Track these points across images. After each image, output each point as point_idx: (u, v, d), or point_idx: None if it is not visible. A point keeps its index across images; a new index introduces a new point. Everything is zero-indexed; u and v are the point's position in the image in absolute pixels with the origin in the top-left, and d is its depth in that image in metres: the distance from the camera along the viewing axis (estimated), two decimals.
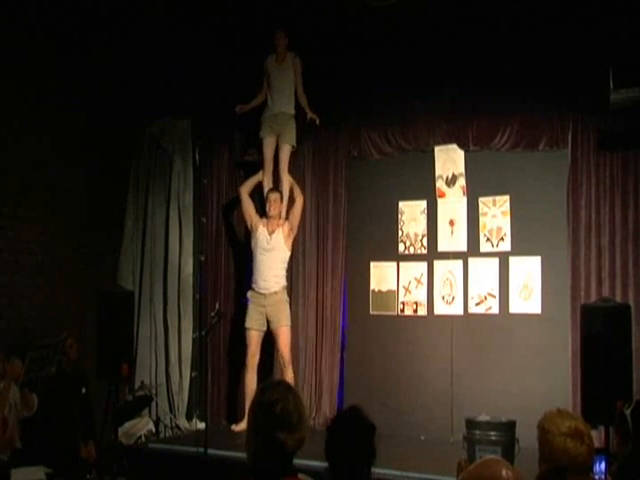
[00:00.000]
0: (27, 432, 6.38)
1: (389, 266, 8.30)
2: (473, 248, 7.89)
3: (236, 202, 8.84)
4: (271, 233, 7.84)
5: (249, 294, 7.82)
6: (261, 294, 7.79)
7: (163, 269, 8.76)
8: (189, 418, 8.48)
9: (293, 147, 8.13)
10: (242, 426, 7.31)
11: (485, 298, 7.77)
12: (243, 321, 7.94)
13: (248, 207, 8.07)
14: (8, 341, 6.84)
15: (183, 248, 8.72)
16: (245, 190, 8.13)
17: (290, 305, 8.12)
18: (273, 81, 8.02)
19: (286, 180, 8.06)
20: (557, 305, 7.37)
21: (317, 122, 7.99)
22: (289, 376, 7.44)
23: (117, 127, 8.52)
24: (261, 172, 8.12)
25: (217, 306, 7.44)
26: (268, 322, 7.78)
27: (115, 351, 6.79)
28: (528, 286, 7.59)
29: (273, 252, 7.85)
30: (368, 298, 8.37)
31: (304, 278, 8.42)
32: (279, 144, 8.06)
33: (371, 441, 3.05)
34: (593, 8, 6.74)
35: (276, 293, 7.82)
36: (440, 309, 8.01)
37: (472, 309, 7.84)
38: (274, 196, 7.92)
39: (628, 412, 4.37)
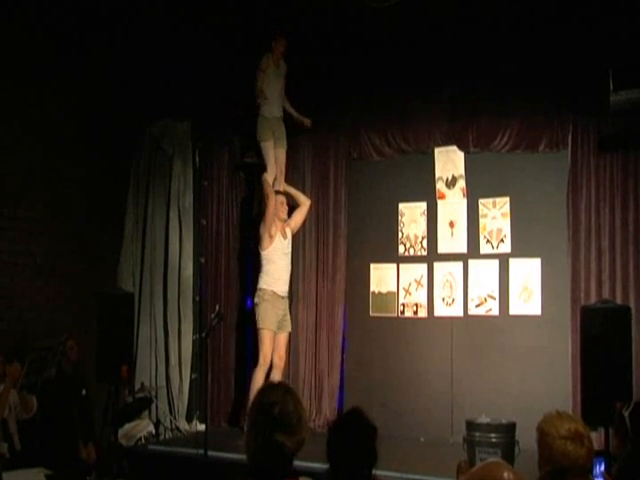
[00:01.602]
0: (27, 434, 6.37)
1: (389, 268, 8.30)
2: (473, 250, 7.89)
3: (235, 204, 8.86)
4: (284, 236, 7.85)
5: (267, 296, 7.71)
6: (281, 297, 7.77)
7: (163, 271, 8.75)
8: (189, 420, 8.48)
9: (286, 151, 8.20)
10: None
11: (485, 300, 7.77)
12: (243, 323, 7.94)
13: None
14: (8, 343, 6.83)
15: (183, 250, 8.72)
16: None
17: (290, 307, 8.17)
18: (272, 83, 8.03)
19: (283, 188, 8.08)
20: (557, 307, 7.37)
21: (309, 125, 8.14)
22: (277, 378, 7.48)
23: (117, 128, 8.52)
24: (268, 175, 8.03)
25: (217, 308, 7.44)
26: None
27: (115, 353, 6.77)
28: (528, 288, 7.59)
29: (289, 255, 7.91)
30: (368, 300, 8.37)
31: (304, 280, 8.42)
32: (277, 149, 8.07)
33: (372, 443, 3.05)
34: (593, 9, 6.75)
35: (287, 297, 7.91)
36: (440, 311, 8.01)
37: (472, 311, 7.84)
38: (284, 198, 7.95)
39: (627, 414, 4.37)
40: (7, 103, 7.45)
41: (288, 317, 7.90)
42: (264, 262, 7.79)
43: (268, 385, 2.69)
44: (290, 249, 7.91)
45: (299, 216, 8.08)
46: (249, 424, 2.60)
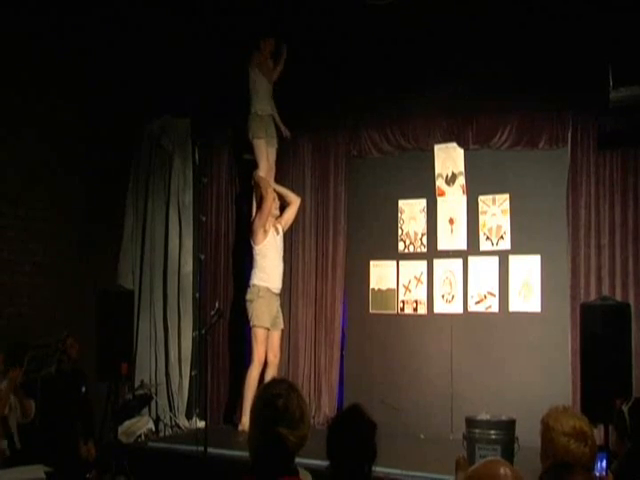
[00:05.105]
0: (27, 431, 6.37)
1: (389, 265, 8.30)
2: (473, 247, 7.89)
3: (234, 201, 8.87)
4: (277, 233, 7.94)
5: (261, 293, 7.80)
6: (274, 294, 7.88)
7: (163, 268, 8.75)
8: (189, 417, 8.48)
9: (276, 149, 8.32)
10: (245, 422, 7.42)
11: (485, 297, 7.77)
12: (243, 319, 7.95)
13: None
14: (8, 340, 6.82)
15: (183, 247, 8.72)
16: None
17: (289, 304, 8.23)
18: (263, 81, 8.08)
19: (273, 186, 8.14)
20: (557, 304, 7.37)
21: (288, 137, 8.30)
22: (272, 375, 7.51)
23: (117, 126, 8.52)
24: (261, 172, 8.09)
25: (217, 305, 7.44)
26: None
27: (115, 350, 6.79)
28: (528, 284, 7.59)
29: (281, 252, 8.01)
30: (368, 297, 8.38)
31: (304, 277, 8.43)
32: (268, 147, 8.14)
33: (372, 439, 3.05)
34: (592, 6, 6.73)
35: (280, 294, 7.96)
36: (440, 308, 8.01)
37: (472, 308, 7.84)
38: (276, 195, 8.07)
39: (626, 409, 4.37)
40: (7, 102, 7.45)
41: (281, 314, 7.99)
42: (257, 257, 7.86)
43: (272, 380, 2.72)
44: (282, 245, 7.99)
45: (289, 214, 8.17)
46: (252, 418, 2.61)
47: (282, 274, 8.00)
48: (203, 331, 8.15)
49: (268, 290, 7.80)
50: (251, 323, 7.80)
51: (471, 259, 7.89)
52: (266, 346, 7.78)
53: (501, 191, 7.78)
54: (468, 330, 7.81)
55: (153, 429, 7.95)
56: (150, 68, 8.45)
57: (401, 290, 8.23)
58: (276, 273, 7.89)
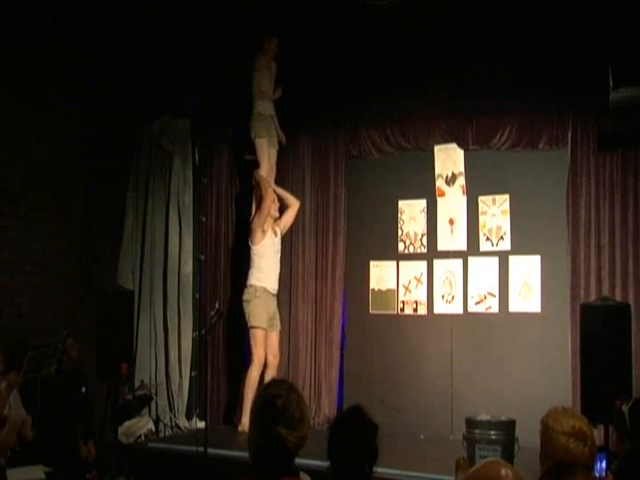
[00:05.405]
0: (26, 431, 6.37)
1: (389, 265, 8.30)
2: (473, 247, 7.89)
3: (234, 201, 8.88)
4: (275, 234, 7.94)
5: (258, 293, 7.81)
6: (272, 295, 7.89)
7: (163, 268, 8.75)
8: (189, 417, 8.48)
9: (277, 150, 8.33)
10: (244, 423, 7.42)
11: (485, 297, 7.77)
12: (243, 320, 7.96)
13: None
14: (8, 340, 6.83)
15: (183, 247, 8.72)
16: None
17: (289, 304, 8.23)
18: (266, 82, 8.07)
19: (273, 187, 8.15)
20: (557, 304, 7.37)
21: (283, 142, 8.32)
22: (271, 376, 7.51)
23: (117, 126, 8.51)
24: (262, 172, 8.10)
25: (217, 305, 7.44)
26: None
27: (115, 350, 6.79)
28: (528, 285, 7.59)
29: (279, 254, 8.03)
30: (368, 297, 8.38)
31: (304, 277, 8.43)
32: (270, 147, 8.16)
33: (373, 441, 3.04)
34: (592, 6, 6.74)
35: (276, 295, 7.98)
36: (440, 308, 8.01)
37: (472, 308, 7.84)
38: (275, 196, 8.08)
39: (626, 409, 4.37)
40: (7, 103, 7.44)
41: (278, 315, 8.01)
42: (255, 257, 7.87)
43: (272, 380, 2.72)
44: (280, 248, 8.00)
45: (288, 217, 8.17)
46: (252, 418, 2.61)
47: (278, 276, 8.00)
48: (203, 331, 8.15)
49: (265, 290, 7.81)
50: (249, 324, 7.80)
51: (471, 259, 7.89)
52: (265, 347, 7.79)
53: (501, 191, 7.78)
54: (468, 330, 7.81)
55: (153, 429, 7.94)
56: (150, 68, 8.44)
57: (401, 290, 8.23)
58: (273, 274, 7.91)
